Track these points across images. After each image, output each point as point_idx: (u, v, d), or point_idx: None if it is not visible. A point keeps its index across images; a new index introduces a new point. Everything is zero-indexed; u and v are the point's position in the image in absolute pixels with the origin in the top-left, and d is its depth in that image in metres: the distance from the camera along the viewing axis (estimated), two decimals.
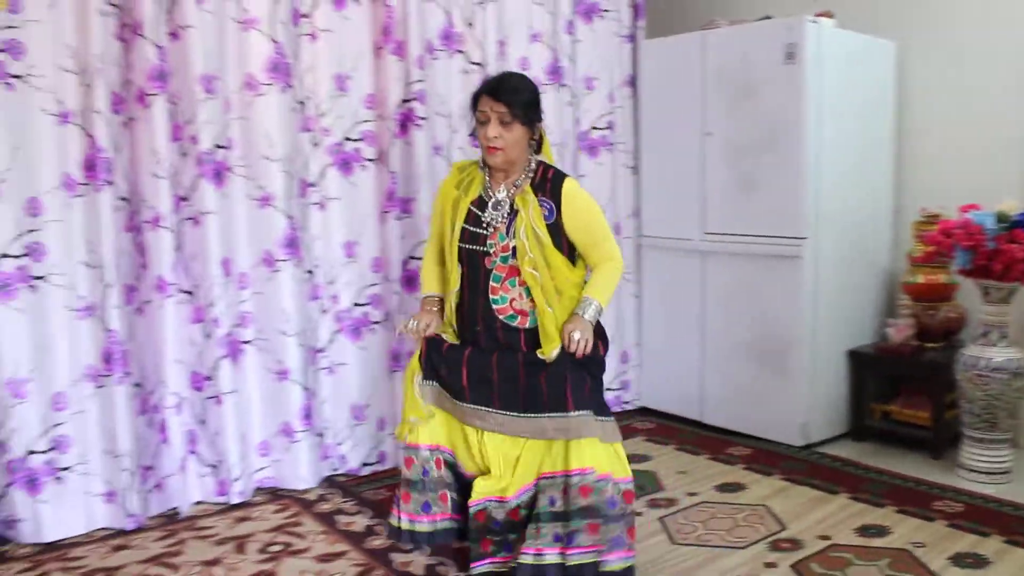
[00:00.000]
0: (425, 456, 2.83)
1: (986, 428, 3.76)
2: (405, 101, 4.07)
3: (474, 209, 2.79)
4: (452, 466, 2.88)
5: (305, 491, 3.81)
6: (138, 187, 3.50)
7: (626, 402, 5.01)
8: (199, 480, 3.69)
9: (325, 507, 3.64)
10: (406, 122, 4.08)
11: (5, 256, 3.21)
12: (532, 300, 2.71)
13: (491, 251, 2.74)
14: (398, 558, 3.11)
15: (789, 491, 3.71)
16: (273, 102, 3.73)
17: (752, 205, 4.27)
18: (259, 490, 3.82)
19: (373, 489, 3.83)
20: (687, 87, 4.52)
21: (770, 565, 3.02)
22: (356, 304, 4.02)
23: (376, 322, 4.06)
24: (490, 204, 2.77)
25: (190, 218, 3.60)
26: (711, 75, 4.40)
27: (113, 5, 3.34)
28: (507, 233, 2.72)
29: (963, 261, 3.69)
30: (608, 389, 4.96)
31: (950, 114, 4.35)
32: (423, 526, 2.84)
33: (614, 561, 2.66)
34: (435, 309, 2.96)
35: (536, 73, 4.52)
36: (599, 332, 2.81)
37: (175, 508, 3.61)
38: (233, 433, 3.69)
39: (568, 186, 2.76)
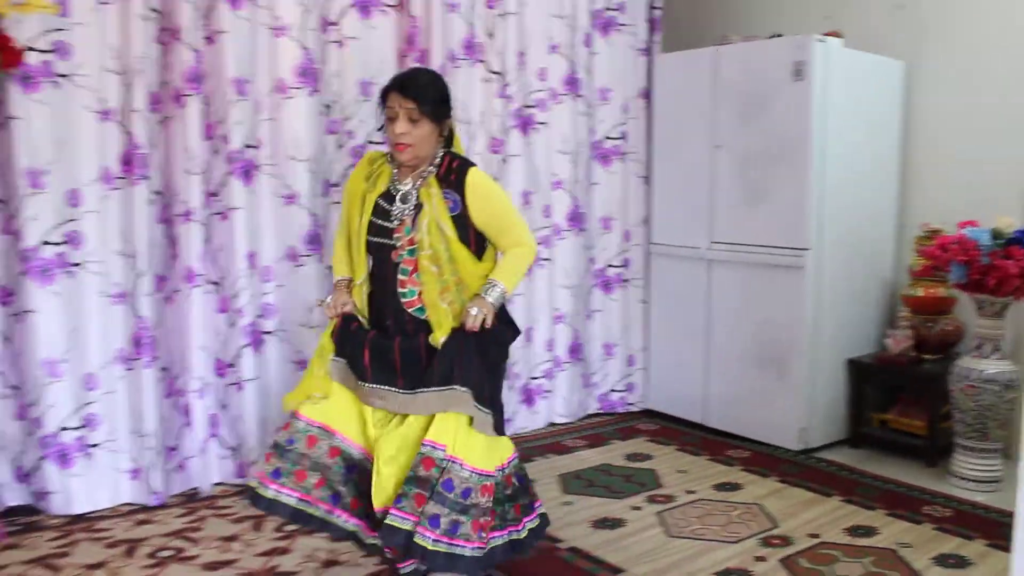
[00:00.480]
0: (300, 427, 2.71)
1: (978, 438, 3.89)
2: None
3: (382, 202, 2.74)
4: (348, 460, 2.74)
5: None
6: (171, 182, 3.69)
7: (631, 404, 5.17)
8: (219, 462, 3.88)
9: None
10: None
11: (46, 243, 3.41)
12: (440, 292, 2.68)
13: (397, 245, 2.69)
14: None
15: (784, 492, 3.85)
16: (301, 105, 3.92)
17: (758, 216, 4.42)
18: None
19: None
20: (699, 100, 4.68)
21: (760, 559, 3.17)
22: None
23: None
24: (397, 197, 2.72)
25: (219, 213, 3.78)
26: (722, 89, 4.56)
27: (154, 10, 3.54)
28: (412, 227, 2.68)
29: (958, 275, 3.82)
30: (613, 391, 5.12)
31: (955, 133, 4.48)
32: (266, 491, 2.66)
33: (429, 539, 2.51)
34: (350, 291, 2.86)
35: (553, 83, 4.70)
36: (504, 318, 2.81)
37: (196, 488, 3.80)
38: (253, 418, 3.87)
39: (472, 177, 2.71)
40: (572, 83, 4.77)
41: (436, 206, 2.67)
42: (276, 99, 3.87)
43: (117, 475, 3.61)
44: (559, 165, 4.78)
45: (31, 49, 3.29)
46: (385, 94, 2.72)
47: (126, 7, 3.46)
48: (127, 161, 3.53)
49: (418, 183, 2.72)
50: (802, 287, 4.25)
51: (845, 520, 3.53)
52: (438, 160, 2.74)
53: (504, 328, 2.80)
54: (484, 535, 2.60)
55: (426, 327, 2.69)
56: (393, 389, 2.68)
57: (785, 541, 3.32)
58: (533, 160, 4.68)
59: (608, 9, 4.86)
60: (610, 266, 5.05)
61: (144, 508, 3.60)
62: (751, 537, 3.36)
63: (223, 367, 3.84)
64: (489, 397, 2.67)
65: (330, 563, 3.11)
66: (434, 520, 2.52)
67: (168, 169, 3.69)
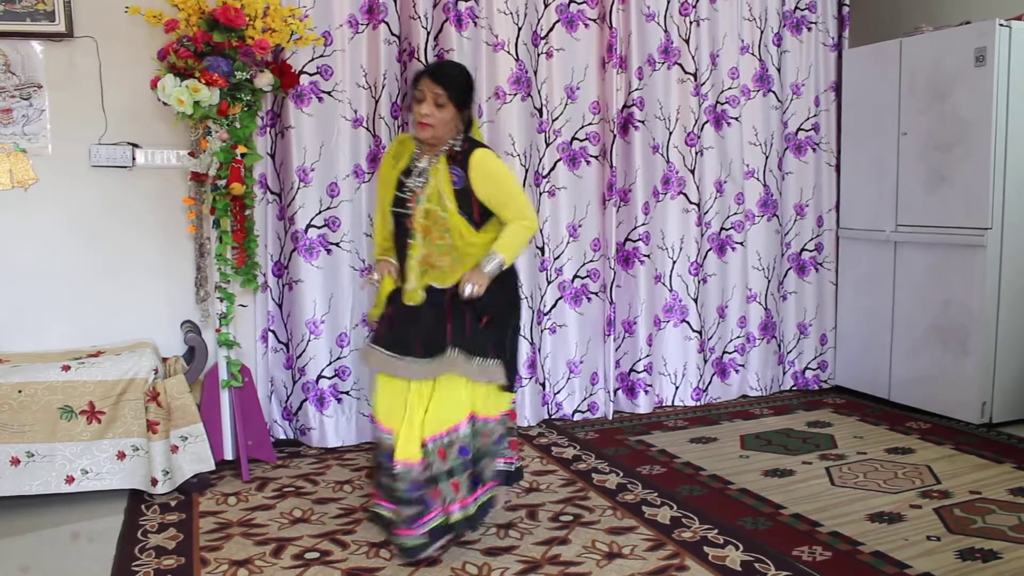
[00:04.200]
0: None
1: None
2: (625, 107, 4.79)
3: (402, 178, 3.10)
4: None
5: (527, 428, 4.62)
6: None
7: (823, 381, 5.46)
8: None
9: (543, 440, 4.42)
10: (626, 124, 4.81)
11: (310, 226, 4.25)
12: (440, 255, 3.04)
13: (410, 213, 3.05)
14: (596, 476, 3.84)
15: (955, 458, 4.06)
16: (515, 109, 4.57)
17: (941, 198, 4.62)
18: None
19: (584, 432, 4.57)
20: (885, 91, 4.93)
21: (915, 507, 3.46)
22: (577, 276, 4.79)
23: (593, 292, 4.81)
24: (414, 173, 3.08)
25: None
26: (907, 79, 4.79)
27: (395, 35, 4.31)
28: (422, 198, 3.03)
29: None
30: (807, 368, 5.43)
31: None
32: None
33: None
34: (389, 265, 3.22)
35: (745, 81, 5.09)
36: (507, 285, 3.16)
37: None
38: None
39: (476, 155, 3.02)
40: (763, 80, 5.14)
41: (441, 180, 3.02)
42: (494, 104, 4.54)
43: (361, 418, 4.39)
44: (751, 156, 5.17)
45: (303, 73, 4.14)
46: (417, 78, 3.07)
47: (374, 35, 4.25)
48: (374, 159, 4.32)
49: (432, 161, 3.06)
50: (983, 265, 4.42)
51: (1012, 483, 3.71)
52: (454, 143, 3.07)
53: (506, 292, 3.15)
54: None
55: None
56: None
57: (944, 495, 3.58)
58: (726, 152, 5.09)
59: (798, 8, 5.19)
60: (804, 250, 5.37)
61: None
62: (911, 490, 3.64)
63: None
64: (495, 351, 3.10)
65: (530, 489, 3.72)
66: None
67: None
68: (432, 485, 2.99)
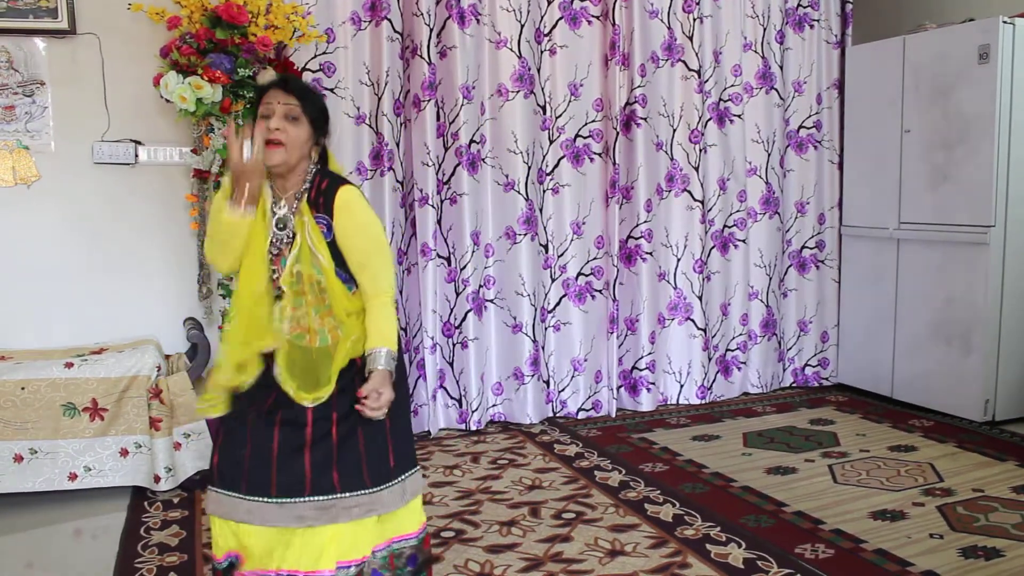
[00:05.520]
0: None
1: None
2: (628, 104, 4.78)
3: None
4: None
5: (530, 426, 4.62)
6: (411, 173, 4.44)
7: (824, 378, 5.46)
8: (444, 410, 4.59)
9: (545, 438, 4.42)
10: (629, 122, 4.80)
11: None
12: (319, 318, 2.32)
13: (274, 277, 2.35)
14: (599, 474, 3.84)
15: (958, 455, 4.06)
16: (518, 106, 4.57)
17: (943, 196, 4.62)
18: (492, 423, 4.67)
19: (587, 429, 4.57)
20: (888, 88, 4.92)
21: (917, 504, 3.46)
22: (580, 274, 4.79)
23: (597, 290, 4.81)
24: (274, 223, 2.35)
25: (449, 198, 4.49)
26: (910, 76, 4.78)
27: (397, 32, 4.30)
28: (288, 258, 2.33)
29: None
30: (807, 365, 5.43)
31: None
32: None
33: None
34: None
35: (748, 78, 5.08)
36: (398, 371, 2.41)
37: (427, 430, 4.52)
38: (474, 373, 4.55)
39: (342, 195, 2.33)
40: (765, 77, 5.13)
41: (311, 233, 2.32)
42: (497, 102, 4.54)
43: None
44: (753, 153, 5.16)
45: (306, 70, 4.13)
46: (261, 93, 2.39)
47: (376, 32, 4.25)
48: (376, 156, 4.32)
49: (293, 207, 2.36)
50: (986, 263, 4.41)
51: (1014, 481, 3.71)
52: (310, 179, 2.37)
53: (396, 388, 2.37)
54: None
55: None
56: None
57: (946, 493, 3.58)
58: (729, 149, 5.09)
59: (801, 6, 5.19)
60: (805, 247, 5.37)
61: None
62: (914, 488, 3.64)
63: (450, 328, 4.55)
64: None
65: (533, 487, 3.72)
66: None
67: (408, 162, 4.45)
68: None
